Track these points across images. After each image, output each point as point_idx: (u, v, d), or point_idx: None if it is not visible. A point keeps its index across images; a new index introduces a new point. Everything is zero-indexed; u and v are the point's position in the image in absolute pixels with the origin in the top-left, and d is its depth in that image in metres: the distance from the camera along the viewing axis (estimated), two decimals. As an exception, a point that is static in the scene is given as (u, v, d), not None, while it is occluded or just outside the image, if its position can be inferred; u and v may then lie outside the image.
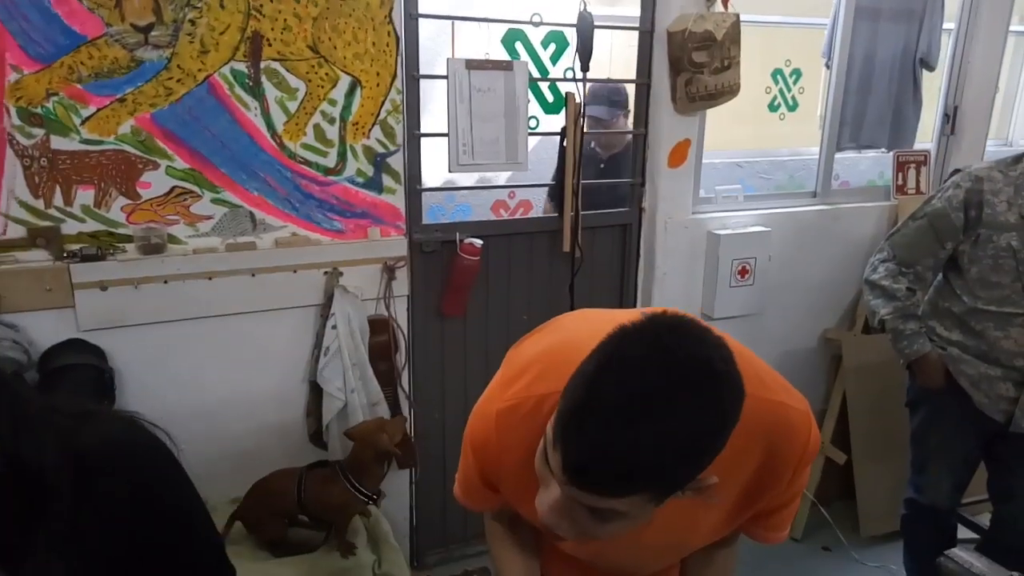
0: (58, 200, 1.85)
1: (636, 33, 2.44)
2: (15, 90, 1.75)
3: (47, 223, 1.85)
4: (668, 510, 0.98)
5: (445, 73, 2.17)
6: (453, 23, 2.39)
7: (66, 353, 1.87)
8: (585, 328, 1.03)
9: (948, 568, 1.14)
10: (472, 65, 2.19)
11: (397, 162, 2.18)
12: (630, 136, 2.58)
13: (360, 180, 2.15)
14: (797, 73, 4.32)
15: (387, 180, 2.18)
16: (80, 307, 1.88)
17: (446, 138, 2.21)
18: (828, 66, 2.90)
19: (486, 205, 3.41)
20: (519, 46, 2.62)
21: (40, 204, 1.83)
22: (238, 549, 1.94)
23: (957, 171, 2.07)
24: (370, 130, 2.12)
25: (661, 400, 0.73)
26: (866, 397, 2.81)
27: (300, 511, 1.95)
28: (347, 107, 2.08)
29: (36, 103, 1.78)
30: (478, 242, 2.29)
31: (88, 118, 1.83)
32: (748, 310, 2.73)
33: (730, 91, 2.39)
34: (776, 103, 4.37)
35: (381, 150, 2.15)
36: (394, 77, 2.11)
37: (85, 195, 1.88)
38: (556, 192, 2.47)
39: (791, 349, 2.94)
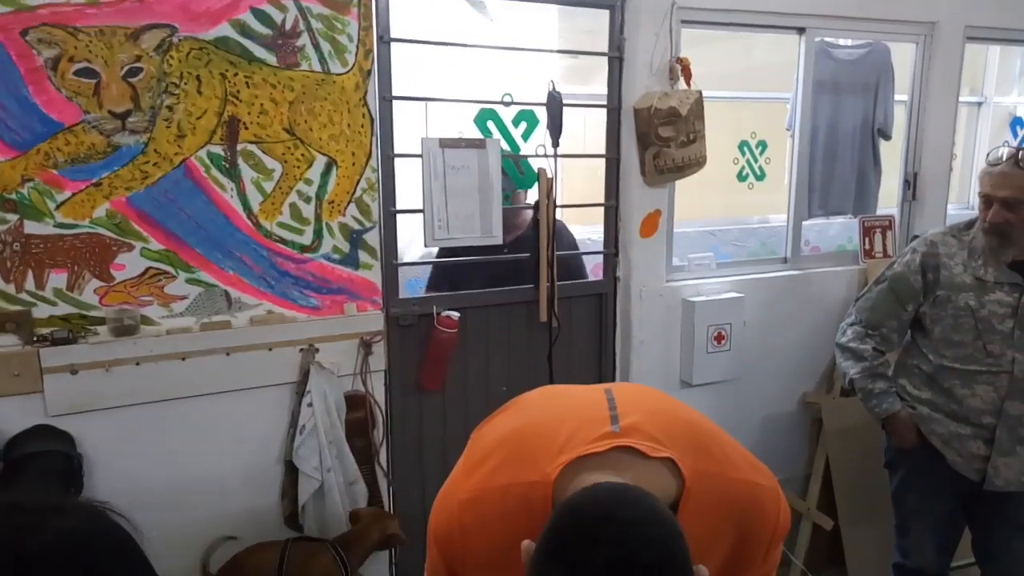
0: (30, 284, 1.84)
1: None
2: (-10, 177, 1.77)
3: (17, 307, 1.84)
4: None
5: (419, 152, 2.23)
6: (427, 104, 2.47)
7: (33, 440, 1.83)
8: (547, 411, 1.03)
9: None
10: (446, 143, 2.25)
11: (373, 238, 2.21)
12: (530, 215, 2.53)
13: (336, 256, 2.17)
14: (763, 144, 4.47)
15: (363, 256, 2.20)
16: (49, 392, 1.85)
17: (421, 214, 2.25)
18: (792, 137, 3.00)
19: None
20: (491, 125, 2.71)
21: (11, 288, 1.83)
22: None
23: (915, 237, 2.15)
24: (346, 208, 2.15)
25: None
26: (849, 460, 2.80)
27: None
28: (323, 186, 2.12)
29: (10, 189, 1.79)
30: (455, 315, 2.30)
31: (63, 202, 1.85)
32: (726, 375, 2.74)
33: (696, 163, 2.47)
34: (744, 173, 4.51)
35: (357, 227, 2.18)
36: (369, 156, 2.16)
37: (58, 278, 1.87)
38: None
39: (771, 413, 2.94)
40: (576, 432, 0.93)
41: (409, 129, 2.37)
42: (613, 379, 2.69)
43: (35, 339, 1.85)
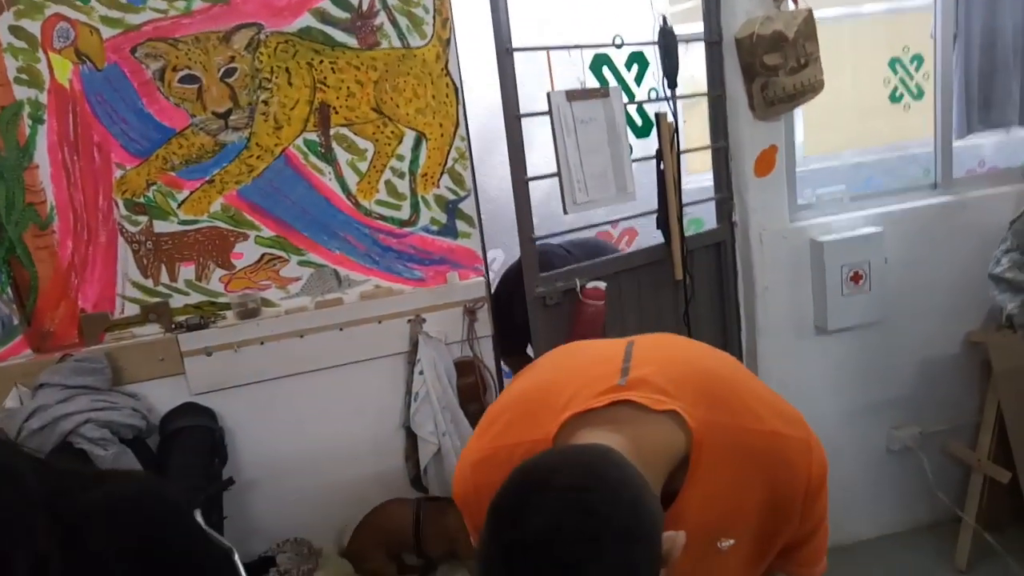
0: (164, 277, 2.05)
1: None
2: (120, 185, 1.98)
3: (157, 299, 2.05)
4: (683, 569, 0.91)
5: (546, 109, 2.01)
6: (548, 53, 2.24)
7: (181, 416, 2.04)
8: (559, 370, 0.99)
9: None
10: (573, 96, 2.04)
11: (469, 207, 2.22)
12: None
13: (435, 228, 2.21)
14: (918, 59, 3.99)
15: (461, 225, 2.23)
16: (190, 373, 2.06)
17: (555, 178, 2.05)
18: (935, 44, 2.64)
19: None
20: (606, 71, 2.60)
21: (149, 283, 2.04)
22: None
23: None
24: (439, 179, 2.19)
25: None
26: (1025, 405, 2.47)
27: (415, 543, 2.03)
28: (415, 160, 2.16)
29: (139, 194, 1.99)
30: (602, 285, 2.09)
31: (183, 201, 2.03)
32: (868, 319, 2.50)
33: (811, 89, 2.24)
34: (898, 93, 4.06)
35: (452, 197, 2.21)
36: (456, 126, 2.17)
37: (187, 270, 2.07)
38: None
39: (929, 357, 2.64)
40: (583, 388, 0.89)
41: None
42: (739, 332, 2.54)
43: (173, 327, 2.06)
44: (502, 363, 2.40)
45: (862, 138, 4.15)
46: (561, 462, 0.74)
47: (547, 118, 2.00)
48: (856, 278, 2.44)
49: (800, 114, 3.46)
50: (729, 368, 0.97)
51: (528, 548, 0.66)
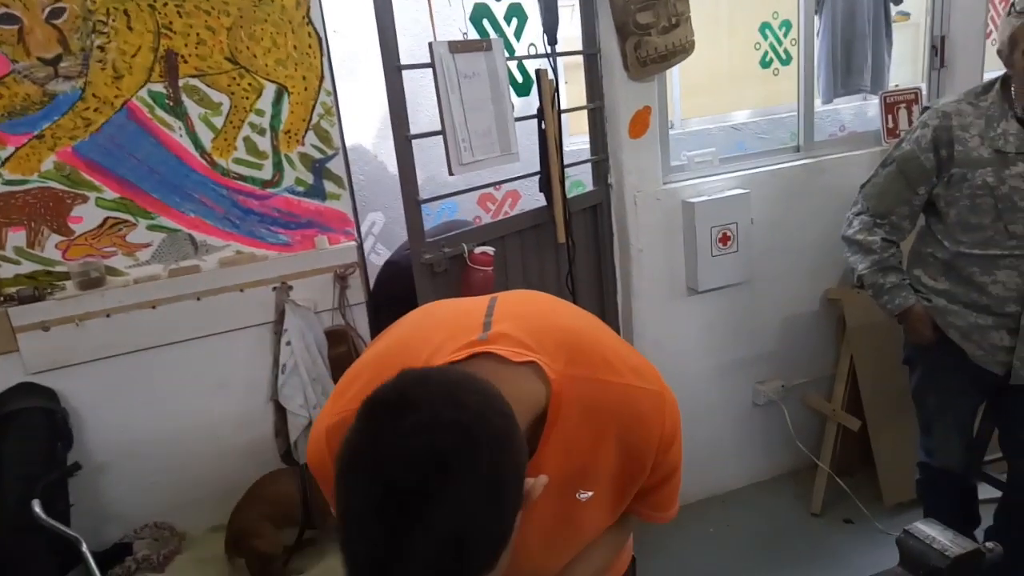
0: (-11, 245, 1.83)
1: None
2: (-73, 139, 1.74)
3: (-21, 269, 1.83)
4: (544, 521, 0.90)
5: (428, 60, 1.86)
6: (429, 4, 2.06)
7: (14, 398, 1.85)
8: (419, 328, 0.95)
9: (908, 544, 1.01)
10: (456, 48, 1.89)
11: (338, 167, 2.11)
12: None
13: (301, 189, 2.09)
14: (787, 24, 4.12)
15: (329, 186, 2.11)
16: (24, 350, 1.86)
17: (438, 136, 1.89)
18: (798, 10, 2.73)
19: (471, 201, 3.30)
20: (486, 24, 2.48)
21: (-30, 251, 1.82)
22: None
23: (927, 108, 1.91)
24: (303, 137, 2.06)
25: (415, 498, 0.63)
26: (874, 358, 2.64)
27: (304, 513, 1.94)
28: (276, 116, 2.02)
29: (-50, 150, 1.76)
30: (490, 250, 2.02)
31: (7, 158, 1.81)
32: (736, 279, 2.58)
33: (683, 50, 2.26)
34: (768, 58, 4.18)
35: (319, 156, 2.08)
36: (321, 79, 2.04)
37: (16, 237, 1.85)
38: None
39: (791, 314, 2.78)
40: (444, 343, 0.86)
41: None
42: (615, 294, 2.57)
43: (2, 299, 1.85)
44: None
45: (736, 102, 4.27)
46: (437, 371, 0.73)
47: (427, 71, 1.88)
48: (724, 239, 2.51)
49: (677, 77, 3.51)
50: (587, 324, 0.96)
51: (406, 436, 0.64)
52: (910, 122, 2.75)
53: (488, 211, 3.51)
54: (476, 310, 0.94)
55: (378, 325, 2.24)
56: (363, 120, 2.76)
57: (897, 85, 2.96)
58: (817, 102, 2.85)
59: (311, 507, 2.03)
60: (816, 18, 2.69)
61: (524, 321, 0.90)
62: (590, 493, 0.90)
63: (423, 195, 1.96)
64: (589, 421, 0.86)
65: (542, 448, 0.85)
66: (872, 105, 3.53)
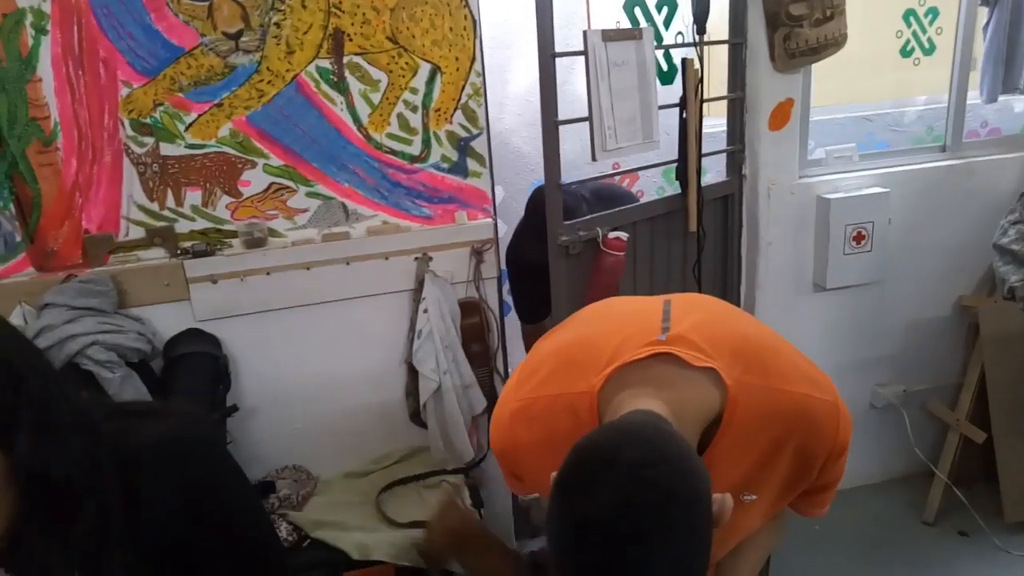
0: (170, 202, 2.01)
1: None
2: (127, 104, 1.92)
3: (162, 223, 2.02)
4: None
5: (581, 48, 1.91)
6: None
7: (185, 342, 2.04)
8: (600, 324, 1.01)
9: None
10: (608, 36, 1.92)
11: (481, 145, 2.19)
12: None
13: (445, 166, 2.18)
14: (933, 12, 3.91)
15: (472, 164, 2.20)
16: (195, 299, 2.04)
17: (585, 123, 1.95)
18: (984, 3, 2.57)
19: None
20: (638, 12, 2.48)
21: (155, 207, 2.00)
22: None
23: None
24: (452, 115, 2.14)
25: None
26: (1008, 369, 2.54)
27: None
28: (428, 94, 2.11)
29: (145, 114, 1.93)
30: (623, 236, 2.04)
31: (191, 124, 1.97)
32: (866, 278, 2.53)
33: (835, 43, 2.21)
34: (909, 47, 3.98)
35: (464, 134, 2.17)
36: (472, 60, 2.11)
37: (193, 196, 2.03)
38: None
39: (919, 318, 2.70)
40: (625, 342, 0.92)
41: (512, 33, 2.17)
42: (738, 285, 2.57)
43: (179, 252, 2.03)
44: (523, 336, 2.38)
45: (867, 91, 4.10)
46: (623, 439, 0.76)
47: (577, 59, 1.92)
48: (859, 238, 2.46)
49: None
50: (762, 333, 1.00)
51: (600, 522, 0.69)
52: (1073, 125, 2.59)
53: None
54: (653, 310, 0.99)
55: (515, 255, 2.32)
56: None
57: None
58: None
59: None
60: (984, 9, 2.55)
61: (700, 326, 0.94)
62: (754, 496, 0.94)
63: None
64: (763, 428, 0.90)
65: (713, 452, 0.90)
66: (1020, 102, 3.32)
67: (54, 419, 0.78)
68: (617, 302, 1.10)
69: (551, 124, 1.92)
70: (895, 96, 4.09)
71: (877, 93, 4.08)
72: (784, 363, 0.94)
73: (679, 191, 2.27)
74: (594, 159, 1.99)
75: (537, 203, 2.31)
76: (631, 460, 0.71)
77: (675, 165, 2.23)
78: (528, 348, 2.57)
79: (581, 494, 0.71)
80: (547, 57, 1.86)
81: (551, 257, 2.02)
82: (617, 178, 3.30)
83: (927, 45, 3.99)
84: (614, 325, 0.98)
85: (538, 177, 3.26)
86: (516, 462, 1.00)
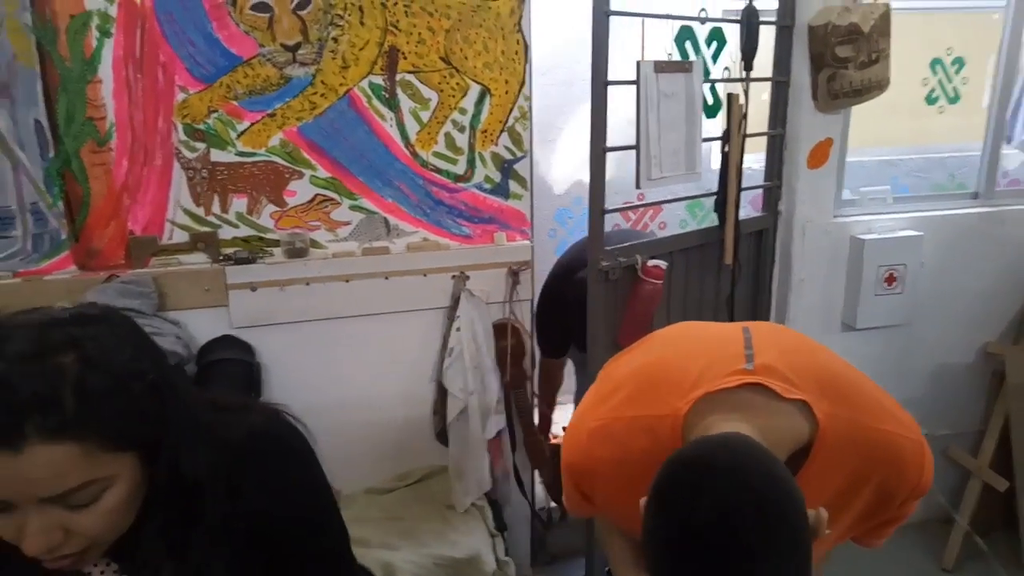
0: (216, 208, 2.02)
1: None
2: (182, 109, 1.93)
3: (206, 229, 2.03)
4: None
5: (633, 78, 1.93)
6: (643, 21, 2.05)
7: (220, 348, 2.04)
8: (680, 347, 1.01)
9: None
10: (660, 68, 1.97)
11: (524, 168, 2.21)
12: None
13: (488, 186, 2.20)
14: (960, 62, 3.97)
15: (514, 186, 2.22)
16: (233, 306, 2.05)
17: (632, 151, 1.97)
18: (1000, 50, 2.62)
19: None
20: (688, 46, 2.51)
21: (201, 211, 2.01)
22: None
23: None
24: (498, 137, 2.16)
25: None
26: (1033, 419, 2.54)
27: None
28: (476, 115, 2.13)
29: (199, 120, 1.95)
30: (663, 264, 2.04)
31: (243, 132, 1.99)
32: (895, 320, 2.54)
33: (878, 87, 2.24)
34: (934, 95, 4.05)
35: (509, 157, 2.19)
36: (522, 84, 2.14)
37: (239, 203, 2.04)
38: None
39: (944, 363, 2.71)
40: (709, 368, 0.92)
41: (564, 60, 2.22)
42: (767, 319, 2.57)
43: (221, 258, 2.04)
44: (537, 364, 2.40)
45: (891, 136, 4.14)
46: (717, 448, 0.77)
47: (624, 88, 1.94)
48: (890, 279, 2.47)
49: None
50: (846, 367, 1.00)
51: (704, 529, 0.69)
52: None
53: (628, 220, 3.56)
54: (733, 338, 0.99)
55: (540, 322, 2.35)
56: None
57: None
58: (977, 145, 2.73)
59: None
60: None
61: (786, 356, 0.95)
62: (829, 531, 0.94)
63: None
64: (848, 463, 0.90)
65: (797, 481, 0.90)
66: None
67: (193, 427, 0.80)
68: (693, 327, 1.11)
69: (599, 151, 1.93)
70: (917, 143, 4.13)
71: (900, 138, 4.12)
72: (869, 399, 0.94)
73: (700, 225, 2.28)
74: (638, 187, 2.01)
75: (551, 292, 2.36)
76: (728, 465, 0.72)
77: (700, 198, 2.24)
78: (544, 379, 2.59)
79: (686, 499, 0.71)
80: (600, 85, 1.88)
81: (590, 282, 2.03)
82: (641, 209, 3.34)
83: (951, 94, 4.05)
84: (695, 350, 0.99)
85: (557, 197, 3.30)
86: (589, 480, 1.00)
